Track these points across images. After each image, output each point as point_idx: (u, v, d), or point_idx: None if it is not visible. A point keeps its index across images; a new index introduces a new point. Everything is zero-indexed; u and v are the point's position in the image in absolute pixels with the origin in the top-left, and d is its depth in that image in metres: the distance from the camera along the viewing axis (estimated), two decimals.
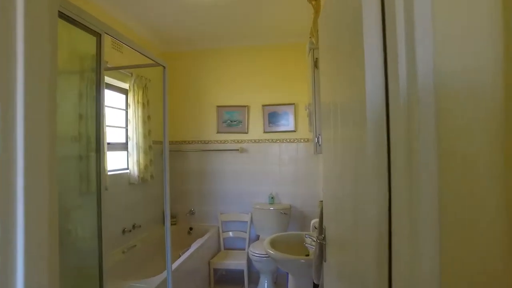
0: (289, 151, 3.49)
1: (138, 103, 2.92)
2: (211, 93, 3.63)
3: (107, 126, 2.47)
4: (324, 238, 1.35)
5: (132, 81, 2.87)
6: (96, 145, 1.25)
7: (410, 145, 0.56)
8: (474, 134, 0.53)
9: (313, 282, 1.65)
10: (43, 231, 0.55)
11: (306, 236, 2.18)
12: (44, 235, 0.55)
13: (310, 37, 2.18)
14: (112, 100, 2.84)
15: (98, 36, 1.18)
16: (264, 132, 3.52)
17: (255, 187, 3.51)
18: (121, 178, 2.78)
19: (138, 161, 2.90)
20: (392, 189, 0.63)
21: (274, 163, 3.51)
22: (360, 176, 0.78)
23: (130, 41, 1.42)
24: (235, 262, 3.09)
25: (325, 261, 1.38)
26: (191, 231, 3.51)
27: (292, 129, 3.47)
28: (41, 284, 0.54)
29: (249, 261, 3.09)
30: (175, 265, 2.31)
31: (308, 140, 3.42)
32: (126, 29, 2.93)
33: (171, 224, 3.52)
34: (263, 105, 3.52)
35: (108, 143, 2.56)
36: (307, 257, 2.12)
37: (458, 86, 0.54)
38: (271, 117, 3.51)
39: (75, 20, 1.11)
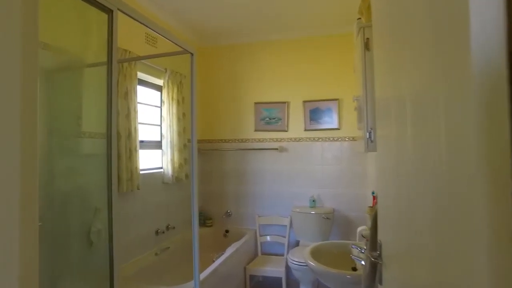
0: (332, 150, 3.20)
1: (172, 100, 2.82)
2: (248, 89, 3.45)
3: (140, 123, 2.38)
4: (380, 256, 1.08)
5: (166, 77, 2.78)
6: (107, 142, 1.10)
7: None
8: None
9: None
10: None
11: (353, 246, 1.90)
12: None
13: (358, 19, 1.90)
14: (147, 97, 2.77)
15: (110, 12, 1.04)
16: (305, 130, 3.28)
17: (295, 188, 3.28)
18: (154, 178, 2.69)
19: (172, 160, 2.80)
20: None
21: (316, 163, 3.24)
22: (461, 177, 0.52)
23: (150, 21, 1.26)
24: (273, 269, 2.90)
25: (380, 284, 1.11)
26: (227, 234, 3.36)
27: (336, 126, 3.17)
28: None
29: (287, 268, 2.88)
30: (208, 270, 2.18)
31: (354, 138, 3.10)
32: (162, 24, 2.85)
33: (207, 226, 3.40)
34: (304, 101, 3.27)
35: (141, 141, 2.48)
36: (354, 272, 1.84)
37: None
38: (313, 113, 3.25)
39: None
